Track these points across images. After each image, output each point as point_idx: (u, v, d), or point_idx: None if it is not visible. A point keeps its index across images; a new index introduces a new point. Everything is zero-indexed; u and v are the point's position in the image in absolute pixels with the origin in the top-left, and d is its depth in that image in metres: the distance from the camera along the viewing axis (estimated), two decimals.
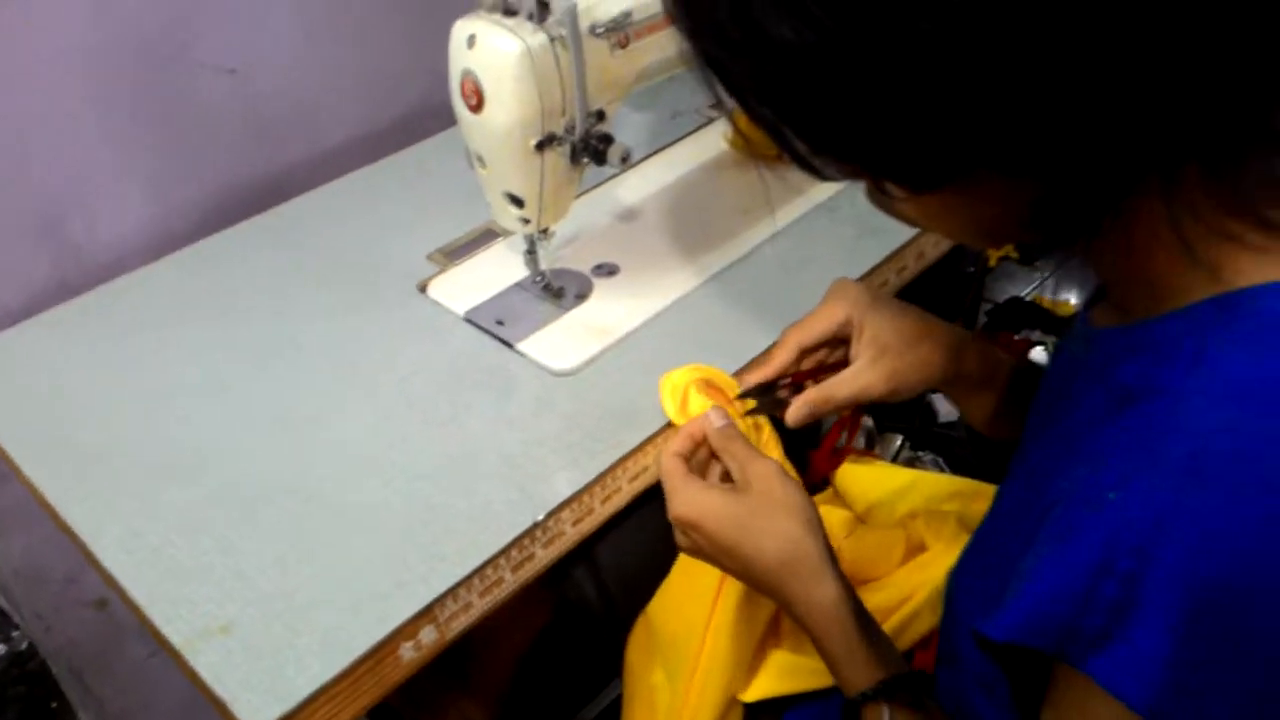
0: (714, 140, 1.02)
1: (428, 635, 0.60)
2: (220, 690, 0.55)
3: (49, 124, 0.82)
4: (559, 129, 0.72)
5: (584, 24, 0.69)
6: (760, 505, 0.59)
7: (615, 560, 0.77)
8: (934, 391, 0.74)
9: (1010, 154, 0.38)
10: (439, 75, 1.06)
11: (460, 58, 0.70)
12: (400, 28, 1.03)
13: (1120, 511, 0.38)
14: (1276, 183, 0.39)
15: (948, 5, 0.34)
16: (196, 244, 0.90)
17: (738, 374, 0.72)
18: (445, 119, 1.09)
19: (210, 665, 0.56)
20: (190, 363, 0.78)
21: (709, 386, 0.69)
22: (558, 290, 0.82)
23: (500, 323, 0.80)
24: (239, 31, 0.90)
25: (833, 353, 0.71)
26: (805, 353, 0.70)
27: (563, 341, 0.78)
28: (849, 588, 0.58)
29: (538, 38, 0.68)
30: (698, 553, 0.61)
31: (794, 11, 0.37)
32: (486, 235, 0.91)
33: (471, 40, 0.68)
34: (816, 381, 0.68)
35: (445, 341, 0.79)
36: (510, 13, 0.69)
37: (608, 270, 0.85)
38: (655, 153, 1.01)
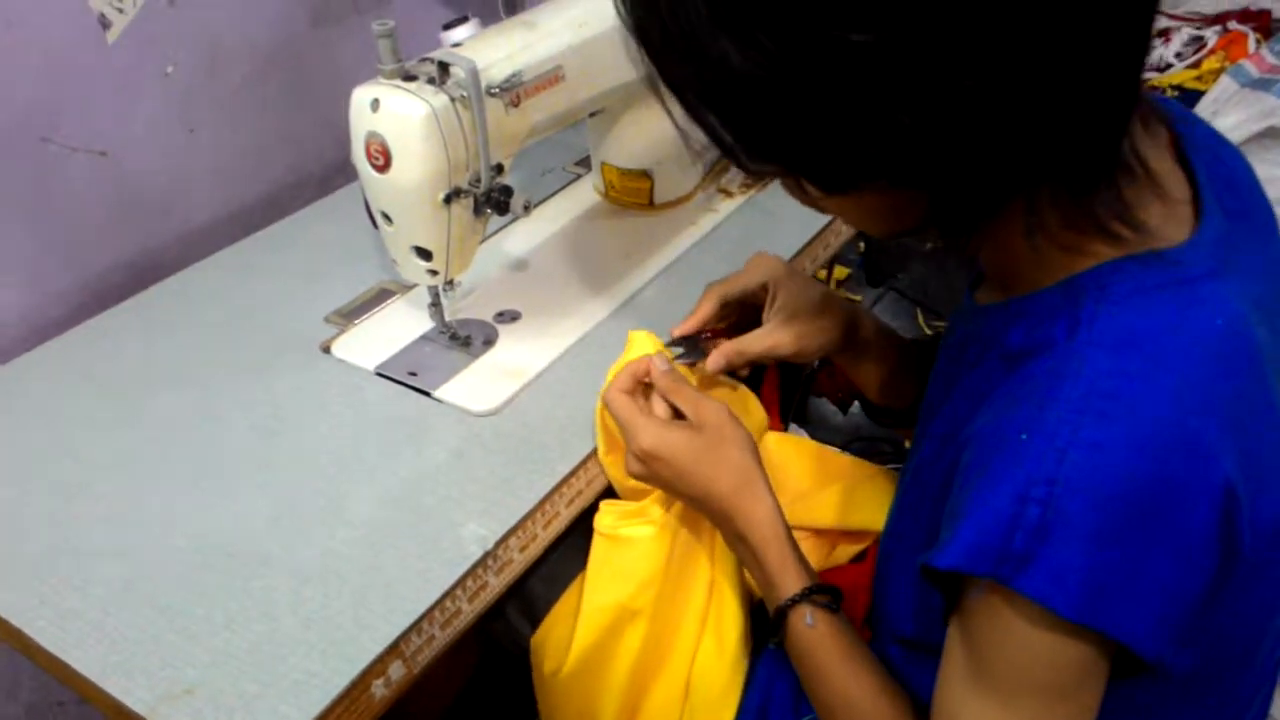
0: (585, 193, 1.09)
1: (396, 671, 0.61)
2: None
3: None
4: (464, 183, 0.76)
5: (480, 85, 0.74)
6: (714, 440, 0.67)
7: (547, 593, 0.80)
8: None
9: (904, 171, 0.46)
10: (303, 150, 1.09)
11: (364, 121, 0.73)
12: (264, 107, 1.05)
13: (1030, 448, 0.45)
14: (1120, 205, 0.48)
15: (866, 55, 0.41)
16: (80, 326, 0.88)
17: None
18: (311, 191, 1.11)
19: None
20: (93, 443, 0.76)
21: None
22: (465, 338, 0.86)
23: (413, 373, 0.82)
24: (108, 115, 0.90)
25: (746, 315, 0.79)
26: (725, 306, 0.78)
27: (479, 385, 0.81)
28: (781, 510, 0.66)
29: (440, 99, 0.72)
30: (654, 480, 0.68)
31: (740, 37, 0.44)
32: (381, 294, 0.93)
33: (375, 104, 0.72)
34: (731, 338, 0.76)
35: (359, 396, 0.81)
36: (410, 78, 0.73)
37: (510, 316, 0.89)
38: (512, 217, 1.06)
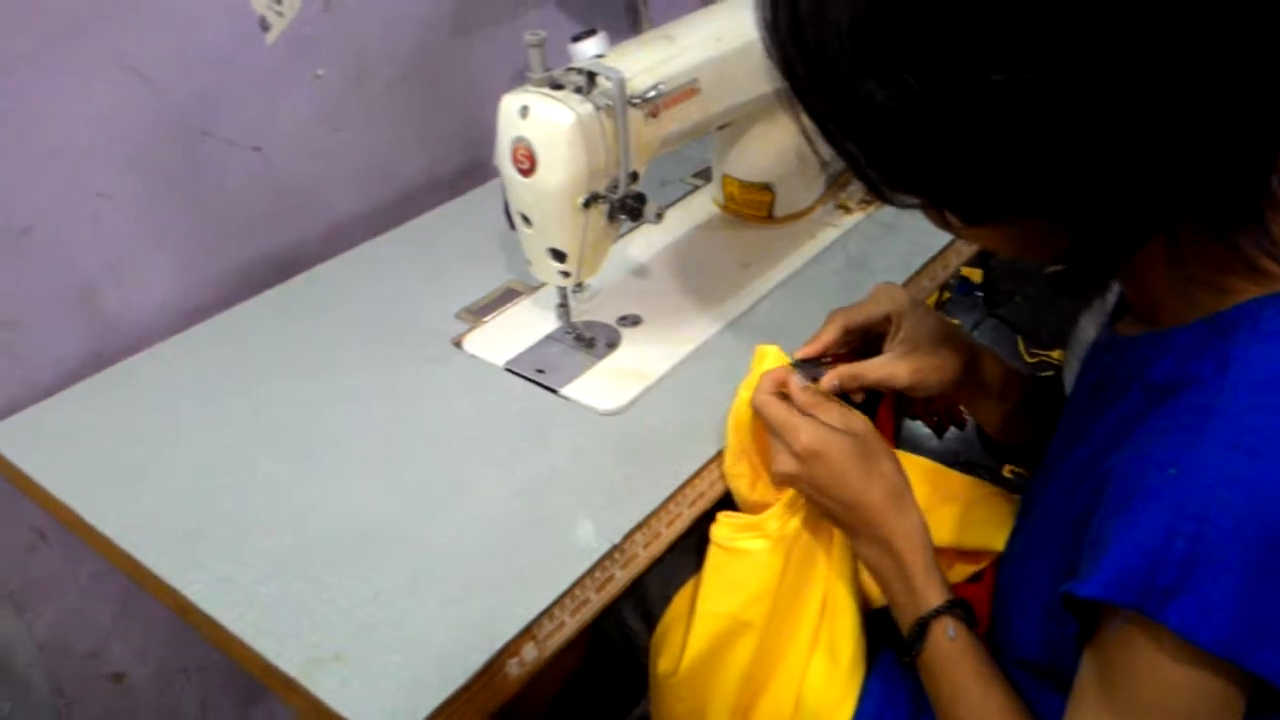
0: (703, 204, 1.11)
1: (529, 652, 0.63)
2: (345, 712, 0.58)
3: (86, 204, 0.85)
4: (602, 189, 0.79)
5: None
6: (869, 448, 0.68)
7: (663, 591, 0.82)
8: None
9: (1046, 203, 0.47)
10: (435, 154, 1.14)
11: (512, 127, 0.77)
12: (403, 112, 1.09)
13: (1179, 484, 0.46)
14: (1268, 241, 0.48)
15: (1008, 93, 0.43)
16: (229, 310, 0.93)
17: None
18: (442, 194, 1.15)
19: (330, 690, 0.59)
20: (241, 420, 0.81)
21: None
22: (590, 340, 0.88)
23: (540, 371, 0.85)
24: (263, 112, 0.95)
25: (868, 344, 0.80)
26: (848, 333, 0.79)
27: (603, 385, 0.84)
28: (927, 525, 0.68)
29: (585, 107, 0.75)
30: (807, 482, 0.68)
31: (885, 77, 0.45)
32: (508, 294, 0.96)
33: (525, 111, 0.75)
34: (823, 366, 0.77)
35: (489, 390, 0.84)
36: (557, 86, 0.76)
37: (631, 321, 0.91)
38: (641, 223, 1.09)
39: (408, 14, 1.05)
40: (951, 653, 0.62)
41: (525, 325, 0.91)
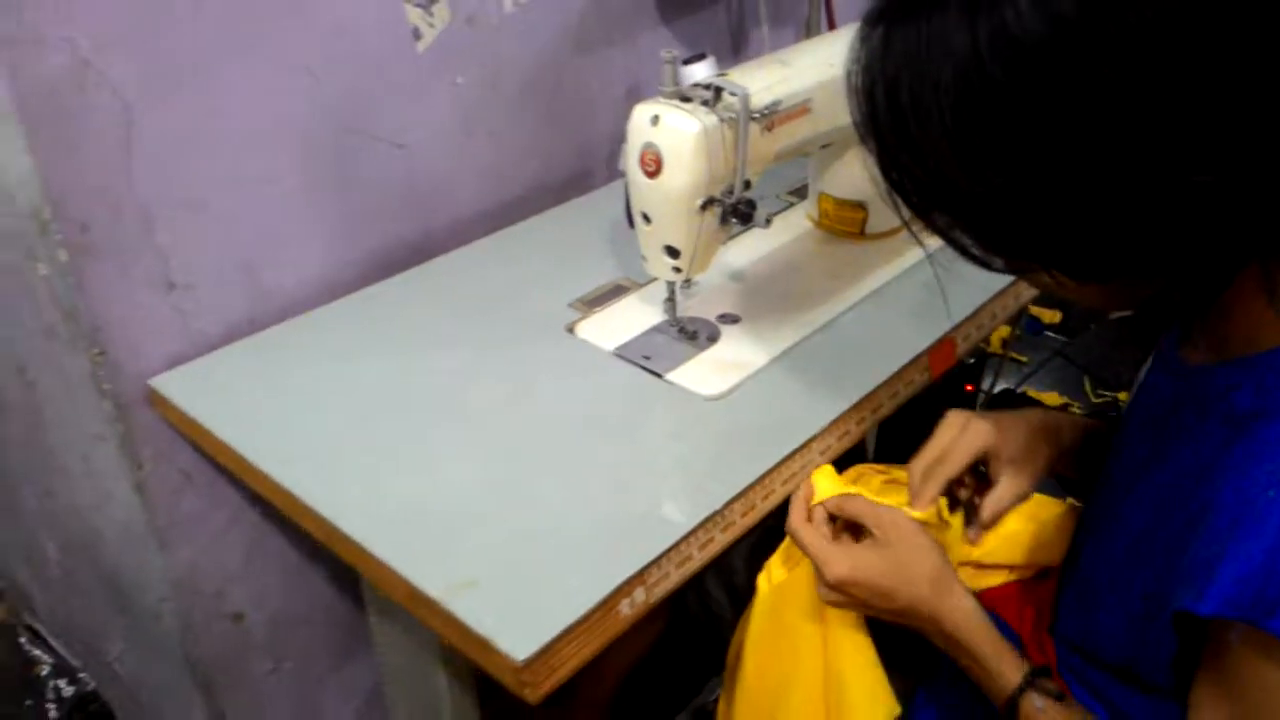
0: (797, 219, 1.18)
1: (639, 595, 0.71)
2: (481, 630, 0.66)
3: (253, 186, 0.95)
4: (718, 193, 0.87)
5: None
6: (902, 551, 0.71)
7: (750, 566, 0.89)
8: None
9: (1157, 267, 0.54)
10: (549, 161, 1.23)
11: (642, 133, 0.85)
12: (526, 121, 1.19)
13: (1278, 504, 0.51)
14: None
15: (1122, 171, 0.49)
16: (364, 289, 1.03)
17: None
18: (552, 198, 1.25)
19: (467, 611, 0.67)
20: (375, 386, 0.90)
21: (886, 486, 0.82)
22: (692, 333, 0.96)
23: (647, 357, 0.93)
24: (407, 113, 1.05)
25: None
26: (950, 483, 0.80)
27: (705, 373, 0.91)
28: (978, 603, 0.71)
29: (711, 119, 0.84)
30: (854, 606, 0.73)
31: (1004, 166, 0.51)
32: (616, 290, 1.05)
33: (656, 120, 0.84)
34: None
35: (600, 372, 0.92)
36: (686, 99, 0.85)
37: (730, 319, 0.99)
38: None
39: (538, 31, 1.15)
40: None
41: (632, 317, 0.99)
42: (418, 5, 1.01)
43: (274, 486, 0.80)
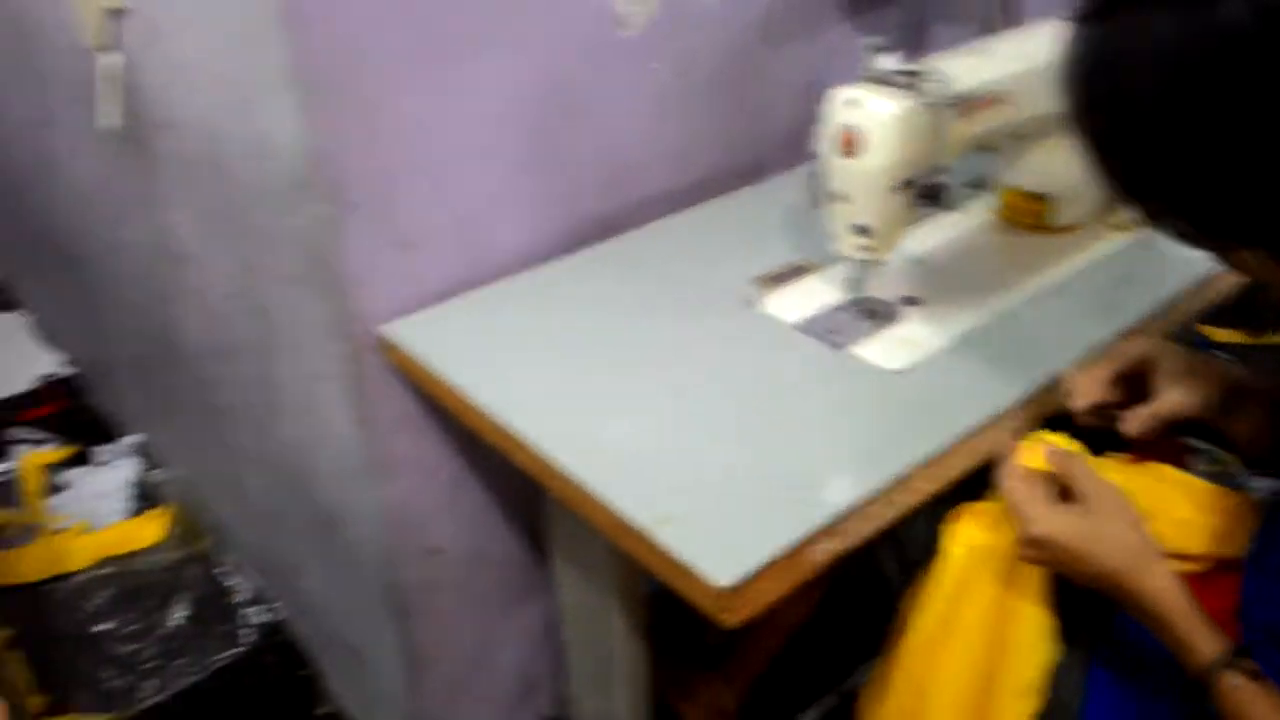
0: (980, 209, 1.21)
1: (830, 544, 0.76)
2: (685, 558, 0.73)
3: (474, 159, 1.04)
4: (913, 175, 0.91)
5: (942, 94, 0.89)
6: (1106, 519, 0.74)
7: (923, 535, 0.93)
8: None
9: None
10: (732, 145, 1.29)
11: (841, 115, 0.90)
12: (712, 106, 1.25)
13: None
14: None
15: None
16: (562, 259, 1.12)
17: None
18: (734, 181, 1.30)
19: (673, 540, 0.74)
20: (572, 344, 0.98)
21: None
22: (874, 311, 1.01)
23: (830, 331, 0.98)
24: (610, 95, 1.13)
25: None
26: (1114, 382, 0.84)
27: (887, 349, 0.95)
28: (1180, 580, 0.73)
29: (910, 102, 0.88)
30: (1048, 564, 0.76)
31: (1214, 149, 0.55)
32: (797, 270, 1.10)
33: (856, 101, 0.89)
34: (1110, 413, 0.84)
35: (785, 344, 0.98)
36: (886, 83, 0.90)
37: (911, 301, 1.03)
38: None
39: (730, 23, 1.22)
40: (1242, 698, 0.68)
41: (815, 295, 1.04)
42: None
43: (493, 426, 0.89)
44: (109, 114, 1.19)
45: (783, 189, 1.28)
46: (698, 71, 1.21)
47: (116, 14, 1.11)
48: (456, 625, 1.26)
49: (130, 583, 1.78)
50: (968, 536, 0.83)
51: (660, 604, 1.11)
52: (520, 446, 0.86)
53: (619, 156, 1.17)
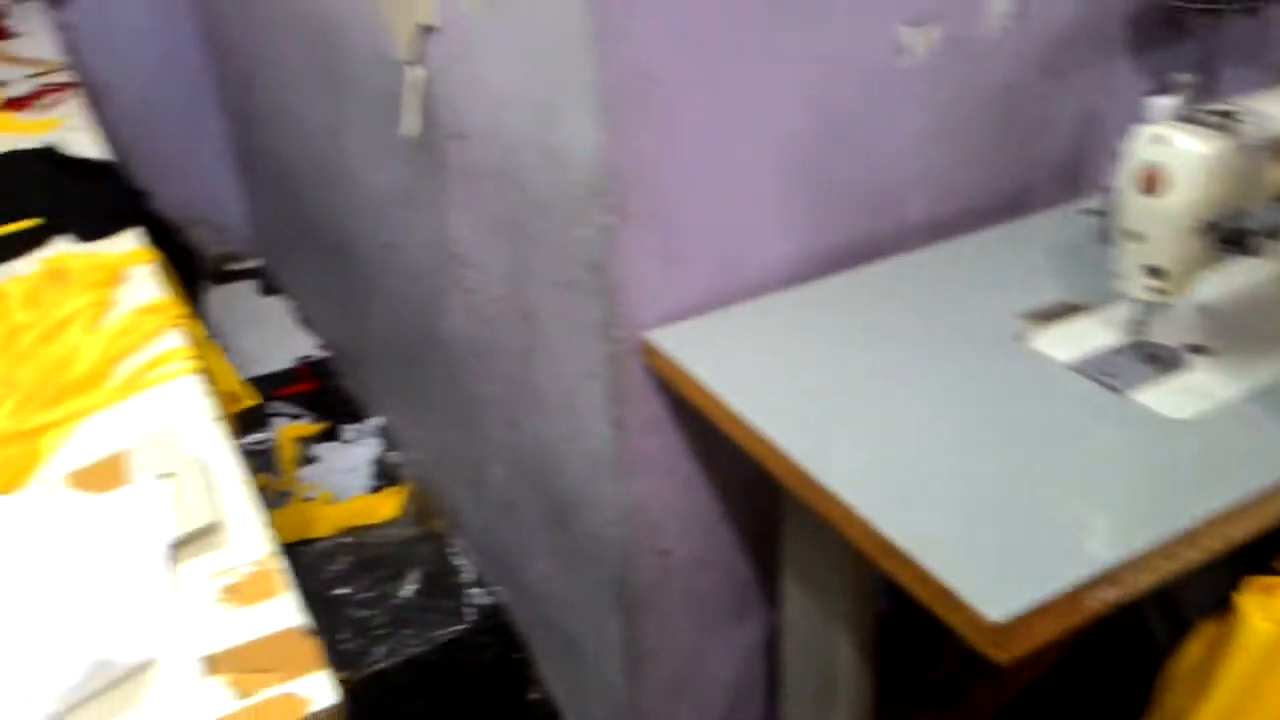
0: (1273, 260, 1.13)
1: (1107, 593, 0.73)
2: (955, 586, 0.72)
3: (746, 177, 1.07)
4: (1217, 218, 0.87)
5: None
6: None
7: (1196, 595, 0.88)
8: None
9: None
10: (997, 178, 1.26)
11: (1145, 151, 0.87)
12: (980, 139, 1.23)
13: None
14: None
15: None
16: (821, 280, 1.13)
17: None
18: (999, 214, 1.28)
19: (942, 566, 0.73)
20: (837, 361, 0.99)
21: None
22: (1157, 357, 0.96)
23: (1107, 374, 0.95)
24: (878, 124, 1.14)
25: None
26: None
27: (1171, 396, 0.91)
28: None
29: (1221, 143, 0.84)
30: None
31: None
32: (1069, 308, 1.06)
33: (1163, 138, 0.86)
34: None
35: (1054, 384, 0.95)
36: (1194, 122, 0.86)
37: (1198, 349, 0.98)
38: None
39: (1008, 55, 1.19)
40: None
41: (1089, 335, 1.01)
42: (911, 25, 1.09)
43: (754, 437, 0.91)
44: (410, 123, 1.30)
45: (1049, 223, 1.24)
46: (971, 100, 1.20)
47: (428, 31, 1.22)
48: (678, 628, 1.29)
49: (367, 553, 1.93)
50: (1277, 611, 0.78)
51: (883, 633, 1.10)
52: (780, 459, 0.88)
53: (884, 182, 1.17)
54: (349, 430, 2.25)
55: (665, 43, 0.95)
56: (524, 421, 1.40)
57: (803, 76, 1.05)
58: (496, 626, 1.76)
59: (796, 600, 1.15)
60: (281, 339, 2.58)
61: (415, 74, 1.28)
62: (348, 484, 2.10)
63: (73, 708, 0.69)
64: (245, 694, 0.70)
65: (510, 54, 1.08)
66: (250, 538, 0.83)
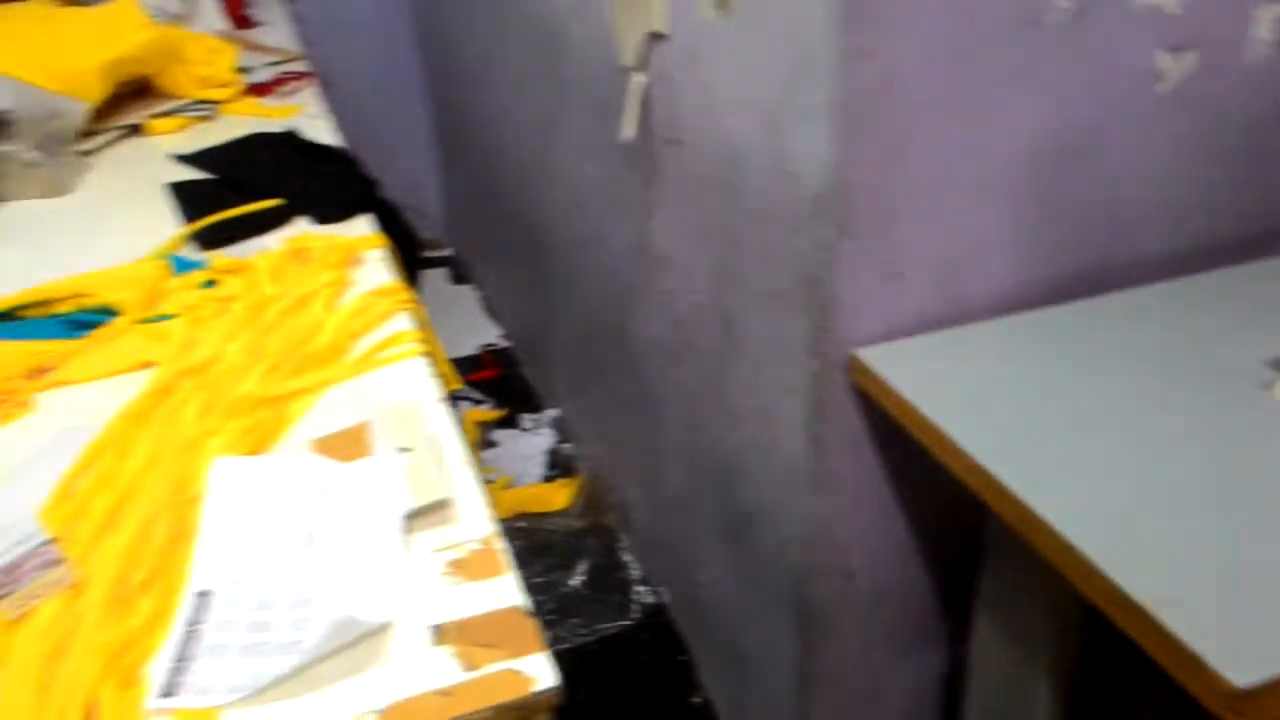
0: None
1: None
2: (1196, 647, 0.68)
3: (977, 197, 1.04)
4: None
5: None
6: None
7: None
8: None
9: None
10: (1252, 211, 1.18)
11: None
12: (1233, 171, 1.16)
13: None
14: None
15: None
16: (1044, 309, 1.09)
17: None
18: (1249, 249, 1.19)
19: (1181, 624, 0.69)
20: (1066, 395, 0.95)
21: None
22: None
23: None
24: (1138, 150, 1.08)
25: None
26: None
27: None
28: None
29: None
30: None
31: None
32: None
33: None
34: None
35: None
36: None
37: None
38: None
39: (1266, 82, 1.12)
40: None
41: None
42: (1170, 51, 1.04)
43: (968, 462, 0.89)
44: (629, 127, 1.33)
45: None
46: (1223, 131, 1.13)
47: (656, 38, 1.25)
48: (855, 652, 1.27)
49: (539, 539, 1.99)
50: None
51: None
52: (998, 489, 0.85)
53: (1123, 210, 1.12)
54: (527, 419, 2.33)
55: (912, 59, 0.93)
56: (709, 426, 1.41)
57: (1049, 97, 1.01)
58: (660, 626, 1.78)
59: (990, 637, 1.11)
60: (468, 326, 2.70)
61: (638, 80, 1.31)
62: (524, 471, 2.18)
63: (317, 660, 0.74)
64: (472, 666, 0.74)
65: (742, 63, 1.09)
66: (475, 516, 0.88)
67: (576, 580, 1.88)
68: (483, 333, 2.66)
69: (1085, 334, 1.05)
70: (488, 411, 2.36)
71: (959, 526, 1.19)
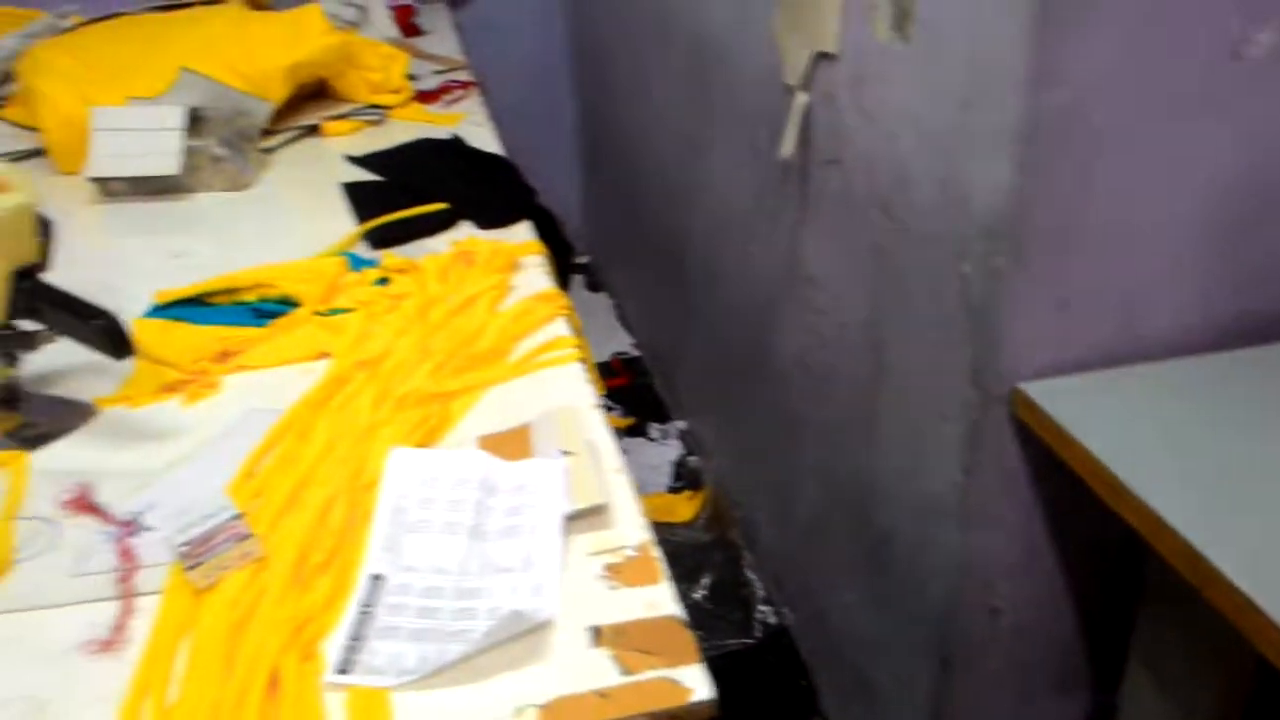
0: None
1: None
2: None
3: (1156, 231, 0.99)
4: None
5: None
6: None
7: None
8: None
9: None
10: None
11: None
12: None
13: None
14: None
15: None
16: (1231, 351, 1.04)
17: None
18: None
19: None
20: (1249, 445, 0.91)
21: None
22: None
23: None
24: None
25: None
26: None
27: None
28: None
29: None
30: None
31: None
32: None
33: None
34: None
35: None
36: None
37: None
38: None
39: None
40: None
41: None
42: None
43: (1138, 506, 0.86)
44: (789, 146, 1.34)
45: None
46: None
47: (824, 58, 1.25)
48: (996, 691, 1.24)
49: (664, 549, 2.00)
50: None
51: None
52: (1169, 536, 0.82)
53: None
54: (654, 429, 2.35)
55: (1102, 88, 0.91)
56: (850, 450, 1.39)
57: (1246, 132, 0.97)
58: (783, 647, 1.76)
59: (1144, 686, 1.06)
60: (601, 334, 2.74)
61: (801, 99, 1.31)
62: (650, 480, 2.20)
63: (482, 651, 0.77)
64: (630, 670, 0.75)
65: (916, 85, 1.08)
66: (631, 522, 0.89)
67: (699, 594, 1.88)
68: (615, 340, 2.70)
69: (1264, 381, 1.00)
70: (617, 419, 2.39)
71: (1113, 569, 1.15)
